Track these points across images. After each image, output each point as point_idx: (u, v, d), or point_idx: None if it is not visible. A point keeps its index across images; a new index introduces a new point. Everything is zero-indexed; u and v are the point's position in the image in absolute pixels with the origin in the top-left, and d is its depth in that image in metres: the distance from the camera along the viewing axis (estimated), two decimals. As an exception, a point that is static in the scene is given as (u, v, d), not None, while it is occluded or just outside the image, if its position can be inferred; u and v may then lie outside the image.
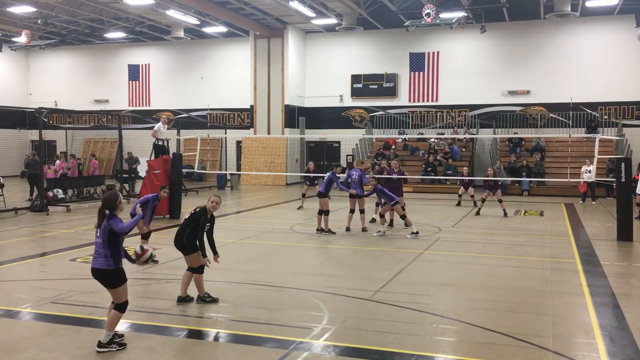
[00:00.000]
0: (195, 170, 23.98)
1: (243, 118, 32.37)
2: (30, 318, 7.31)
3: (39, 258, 11.24)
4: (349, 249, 12.20)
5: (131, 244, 12.37)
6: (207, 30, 29.72)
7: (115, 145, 31.64)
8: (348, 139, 28.75)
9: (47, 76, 36.69)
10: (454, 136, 27.00)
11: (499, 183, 18.38)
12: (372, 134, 29.51)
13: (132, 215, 9.93)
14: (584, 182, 20.36)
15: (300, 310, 7.53)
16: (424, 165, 25.64)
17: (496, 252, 11.76)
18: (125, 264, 6.30)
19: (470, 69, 28.50)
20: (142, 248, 6.54)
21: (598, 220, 16.57)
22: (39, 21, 28.40)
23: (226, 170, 29.35)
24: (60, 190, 19.82)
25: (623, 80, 26.34)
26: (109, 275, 6.06)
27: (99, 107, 34.58)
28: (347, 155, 29.15)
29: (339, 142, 30.48)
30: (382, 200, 13.87)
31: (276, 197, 23.42)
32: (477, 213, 17.41)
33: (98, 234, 6.08)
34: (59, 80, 36.15)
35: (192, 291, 7.85)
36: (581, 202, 21.00)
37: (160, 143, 17.65)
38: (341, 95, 30.72)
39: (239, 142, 30.83)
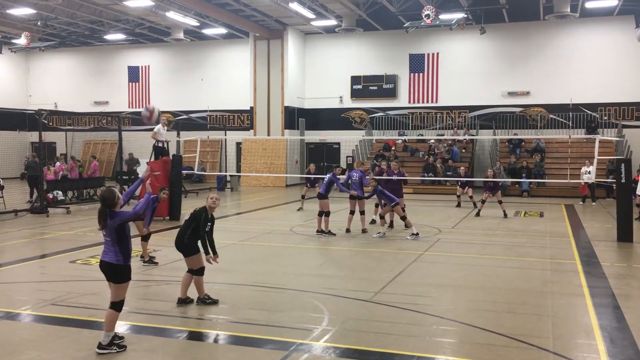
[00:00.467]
0: (195, 171, 23.98)
1: (243, 119, 32.38)
2: (30, 320, 7.30)
3: (39, 260, 11.23)
4: (349, 250, 12.20)
5: (134, 244, 12.39)
6: (207, 31, 29.75)
7: (115, 146, 31.63)
8: (348, 140, 28.75)
9: (47, 78, 36.70)
10: (454, 137, 27.01)
11: (499, 184, 18.37)
12: (372, 135, 29.52)
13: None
14: (585, 183, 20.35)
15: (300, 312, 7.52)
16: (423, 172, 25.64)
17: (496, 253, 11.76)
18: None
19: (470, 70, 28.52)
20: (147, 109, 6.57)
21: (598, 221, 16.57)
22: (39, 23, 28.42)
23: (226, 172, 29.36)
24: (60, 192, 19.83)
25: (623, 81, 26.36)
26: (117, 269, 6.16)
27: (99, 108, 34.59)
28: (347, 157, 29.16)
29: (338, 144, 30.49)
30: (382, 202, 13.88)
31: (276, 198, 23.42)
32: (477, 214, 17.41)
33: (105, 233, 6.16)
34: (59, 82, 36.17)
35: (192, 293, 7.84)
36: (581, 203, 21.00)
37: (160, 145, 17.65)
38: (341, 97, 30.74)
39: (238, 144, 30.83)
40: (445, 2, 23.83)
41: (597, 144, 15.75)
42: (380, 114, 30.10)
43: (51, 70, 36.59)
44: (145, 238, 10.36)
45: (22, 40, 29.10)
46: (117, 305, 6.17)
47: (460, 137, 26.68)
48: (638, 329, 6.79)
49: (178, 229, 7.96)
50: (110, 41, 33.33)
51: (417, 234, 13.26)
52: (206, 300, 7.77)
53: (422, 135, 28.69)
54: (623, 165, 12.72)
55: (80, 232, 14.38)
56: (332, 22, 26.90)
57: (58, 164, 23.02)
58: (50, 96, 35.35)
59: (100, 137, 35.18)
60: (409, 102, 29.60)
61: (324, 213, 13.64)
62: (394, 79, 29.70)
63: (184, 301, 7.73)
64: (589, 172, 19.89)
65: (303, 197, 19.21)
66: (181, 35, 28.63)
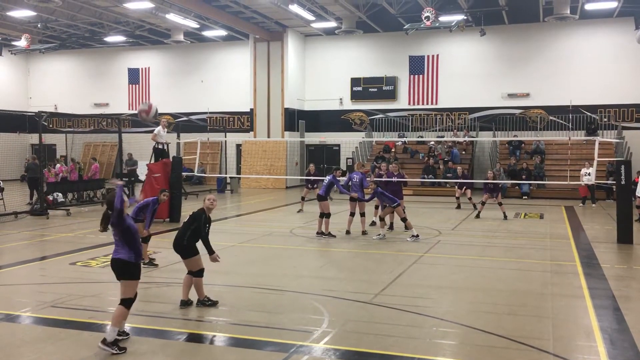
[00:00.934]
0: (195, 173, 23.98)
1: (243, 121, 32.40)
2: (30, 322, 7.31)
3: (39, 262, 11.22)
4: (349, 252, 12.19)
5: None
6: (207, 33, 29.77)
7: (115, 148, 31.63)
8: (348, 142, 28.77)
9: (47, 80, 36.73)
10: (454, 139, 27.02)
11: (499, 186, 18.36)
12: (372, 137, 29.54)
13: (132, 218, 10.02)
14: (585, 184, 20.33)
15: (300, 314, 7.52)
16: (423, 173, 25.65)
17: (496, 255, 11.75)
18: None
19: (469, 72, 28.53)
20: (146, 103, 6.69)
21: (598, 222, 16.57)
22: (39, 25, 28.44)
23: (226, 174, 29.36)
24: (60, 194, 19.82)
25: (622, 83, 26.38)
26: (128, 266, 6.30)
27: (99, 110, 34.60)
28: (347, 159, 29.17)
29: (338, 145, 30.50)
30: (383, 203, 13.88)
31: (276, 200, 23.42)
32: (477, 216, 17.41)
33: (115, 233, 6.32)
34: (59, 84, 36.19)
35: (192, 295, 7.84)
36: (581, 204, 21.00)
37: (160, 146, 17.65)
38: (341, 99, 30.75)
39: (238, 146, 30.84)
40: (445, 4, 23.85)
41: (597, 146, 15.75)
42: (380, 115, 30.11)
43: (51, 72, 36.62)
44: (145, 240, 10.36)
45: (22, 43, 29.13)
46: (126, 302, 6.27)
47: (460, 139, 26.69)
48: (638, 331, 6.79)
49: (176, 236, 7.91)
50: (110, 43, 33.35)
51: (417, 235, 13.26)
52: (206, 302, 7.76)
53: (422, 137, 28.70)
54: (623, 166, 12.72)
55: (80, 234, 14.37)
56: (332, 24, 26.92)
57: (58, 165, 23.03)
58: (51, 98, 35.36)
59: (100, 139, 35.20)
60: (409, 103, 29.62)
61: (325, 215, 13.65)
62: (394, 80, 29.72)
63: (186, 303, 7.73)
64: (589, 174, 19.88)
65: (303, 198, 19.21)
66: (181, 37, 28.65)
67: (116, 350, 6.05)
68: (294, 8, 23.73)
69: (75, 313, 7.45)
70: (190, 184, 28.50)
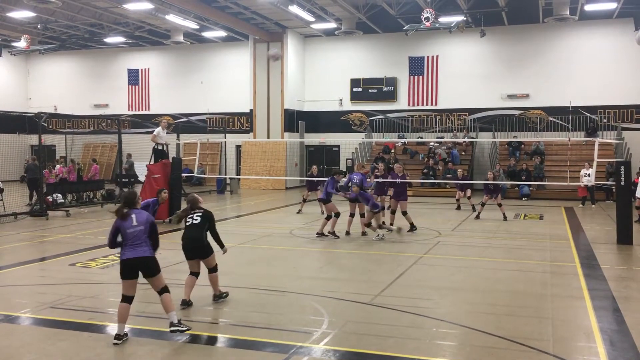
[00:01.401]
0: (195, 174, 23.98)
1: (242, 122, 32.40)
2: (29, 323, 7.30)
3: (39, 263, 11.22)
4: (349, 253, 12.19)
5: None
6: (207, 34, 29.78)
7: (115, 149, 31.63)
8: (348, 142, 28.77)
9: (46, 81, 36.73)
10: (454, 140, 27.02)
11: (499, 187, 18.36)
12: (372, 137, 29.54)
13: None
14: (585, 185, 20.33)
15: (300, 315, 7.52)
16: (425, 171, 25.64)
17: (496, 256, 11.75)
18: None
19: (469, 73, 28.54)
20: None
21: (598, 223, 16.57)
22: (39, 26, 28.45)
23: (226, 175, 29.35)
24: (59, 195, 19.82)
25: (622, 84, 26.39)
26: (152, 261, 6.55)
27: (99, 111, 34.60)
28: (347, 159, 29.18)
29: (338, 146, 30.50)
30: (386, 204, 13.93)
31: (276, 201, 23.41)
32: (477, 217, 17.41)
33: (134, 223, 6.50)
34: (59, 85, 36.19)
35: (192, 296, 7.84)
36: (581, 205, 21.00)
37: (160, 147, 17.65)
38: (340, 99, 30.76)
39: (238, 146, 30.85)
40: (444, 5, 23.86)
41: (596, 147, 15.75)
42: (380, 116, 30.11)
43: (51, 73, 36.62)
44: None
45: (22, 43, 29.14)
46: (166, 289, 6.62)
47: (460, 140, 26.70)
48: (638, 332, 6.79)
49: (186, 234, 7.87)
50: (110, 44, 33.37)
51: (383, 236, 13.27)
52: (222, 295, 8.05)
53: (421, 137, 28.71)
54: (622, 167, 12.72)
55: (79, 234, 14.37)
56: (331, 25, 26.93)
57: (58, 166, 23.03)
58: (50, 99, 35.34)
59: (100, 139, 35.20)
60: (409, 104, 29.62)
61: (334, 214, 13.63)
62: (394, 81, 29.73)
63: (187, 303, 7.75)
64: (589, 175, 19.88)
65: (304, 200, 19.10)
66: (181, 38, 28.66)
67: (185, 328, 6.44)
68: (294, 9, 23.74)
69: (75, 314, 7.45)
70: (190, 185, 28.49)
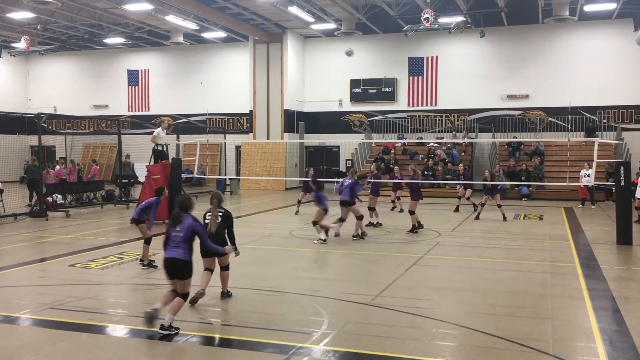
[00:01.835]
0: (195, 175, 23.99)
1: (242, 123, 32.40)
2: (29, 324, 7.30)
3: (38, 264, 11.21)
4: (349, 254, 12.18)
5: (132, 249, 12.38)
6: (206, 35, 29.78)
7: (115, 150, 31.62)
8: (347, 143, 28.78)
9: (46, 81, 36.72)
10: (453, 140, 27.03)
11: (498, 187, 18.33)
12: (372, 138, 29.55)
13: (135, 219, 10.14)
14: (584, 186, 20.33)
15: (300, 315, 7.52)
16: (425, 172, 25.63)
17: (496, 256, 11.75)
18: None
19: (469, 74, 28.54)
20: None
21: (597, 224, 16.57)
22: (38, 27, 28.44)
23: (225, 175, 29.35)
24: (59, 196, 19.82)
25: (622, 84, 26.39)
26: (184, 265, 6.75)
27: (98, 112, 34.59)
28: (347, 160, 29.19)
29: (338, 147, 30.50)
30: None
31: (276, 201, 23.41)
32: (477, 217, 17.41)
33: (178, 229, 6.83)
34: (58, 86, 36.18)
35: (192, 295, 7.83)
36: (580, 205, 21.01)
37: (160, 148, 17.65)
38: (340, 100, 30.76)
39: (238, 147, 30.84)
40: (444, 6, 23.87)
41: (596, 147, 15.74)
42: (380, 117, 30.12)
43: (51, 73, 36.61)
44: (147, 241, 10.39)
45: (21, 44, 29.12)
46: (184, 296, 6.85)
47: (460, 140, 26.70)
48: (638, 332, 6.79)
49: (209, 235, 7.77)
50: (109, 45, 33.37)
51: (325, 240, 12.86)
52: (229, 294, 8.21)
53: (421, 138, 28.71)
54: (622, 168, 12.73)
55: (79, 235, 14.37)
56: (331, 25, 26.93)
57: (57, 167, 23.02)
58: (50, 100, 35.33)
59: (99, 140, 35.19)
60: (408, 105, 29.62)
61: (357, 217, 13.47)
62: (393, 82, 29.73)
63: (202, 294, 7.93)
64: (588, 175, 19.88)
65: (299, 201, 19.07)
66: (181, 39, 28.66)
67: (175, 331, 6.58)
68: (294, 10, 23.74)
69: (75, 315, 7.44)
70: (190, 186, 28.48)
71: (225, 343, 6.62)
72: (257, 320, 7.23)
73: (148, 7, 23.87)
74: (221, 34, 29.58)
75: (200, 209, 7.94)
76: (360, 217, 13.66)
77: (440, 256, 11.68)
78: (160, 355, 6.16)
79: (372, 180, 15.69)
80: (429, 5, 22.99)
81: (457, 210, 19.37)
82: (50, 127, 34.63)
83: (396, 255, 11.78)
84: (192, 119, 32.98)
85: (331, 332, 6.76)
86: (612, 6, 23.81)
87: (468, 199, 19.29)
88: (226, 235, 8.06)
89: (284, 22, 27.89)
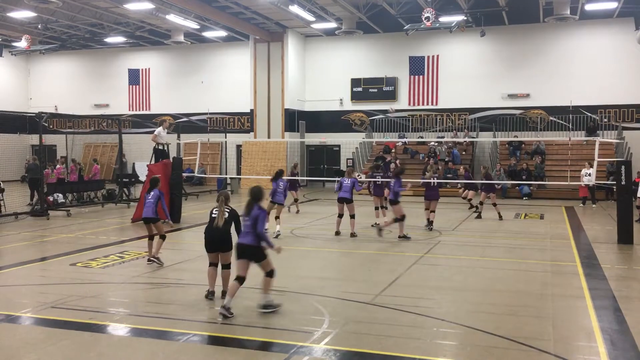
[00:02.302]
0: (196, 174, 24.00)
1: (243, 122, 32.40)
2: (30, 323, 7.31)
3: (40, 263, 11.22)
4: (350, 253, 12.19)
5: (133, 248, 12.38)
6: (207, 34, 29.78)
7: (116, 149, 31.65)
8: (348, 142, 28.77)
9: (47, 81, 36.74)
10: (454, 140, 27.01)
11: (494, 186, 18.17)
12: (372, 137, 29.54)
13: (152, 218, 10.47)
14: (585, 185, 20.32)
15: (301, 314, 7.52)
16: (424, 173, 25.62)
17: (497, 256, 11.75)
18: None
19: (470, 73, 28.53)
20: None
21: (598, 223, 16.56)
22: (39, 26, 28.46)
23: (226, 174, 29.36)
24: (60, 195, 19.83)
25: (623, 83, 26.37)
26: (256, 250, 7.40)
27: (99, 111, 34.59)
28: (347, 159, 29.18)
29: (339, 146, 30.50)
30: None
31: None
32: (478, 216, 17.40)
33: (247, 219, 7.42)
34: (59, 85, 36.20)
35: (193, 294, 7.84)
36: (581, 205, 20.99)
37: (161, 147, 17.65)
38: (341, 99, 30.76)
39: (239, 146, 30.85)
40: (445, 5, 23.85)
41: (597, 146, 15.74)
42: (380, 116, 30.11)
43: (51, 73, 36.63)
44: (163, 237, 10.42)
45: (22, 43, 29.13)
46: (271, 274, 7.51)
47: (461, 140, 26.69)
48: (639, 331, 6.79)
49: (214, 230, 7.92)
50: (110, 44, 33.38)
51: (278, 235, 13.45)
52: None
53: (422, 137, 28.71)
54: (623, 167, 12.72)
55: (80, 234, 14.38)
56: (332, 24, 26.92)
57: (58, 166, 23.05)
58: (51, 99, 35.35)
59: (100, 139, 35.22)
60: (409, 104, 29.61)
61: (399, 219, 13.43)
62: (394, 81, 29.72)
63: (213, 293, 8.08)
64: (589, 174, 19.87)
65: (296, 200, 19.07)
66: (181, 38, 28.66)
67: (274, 309, 7.29)
68: (294, 9, 23.73)
69: (76, 314, 7.45)
70: (191, 185, 28.50)
71: (227, 342, 6.62)
72: (257, 319, 7.24)
73: (149, 6, 23.86)
74: (222, 33, 29.59)
75: (201, 208, 7.92)
76: (353, 216, 13.88)
77: (441, 255, 11.68)
78: (162, 353, 6.16)
79: (367, 180, 15.75)
80: (430, 4, 22.98)
81: (471, 207, 18.89)
82: (51, 127, 34.67)
83: (397, 254, 11.78)
84: (193, 118, 32.99)
85: (332, 331, 6.76)
86: (613, 5, 23.78)
87: (469, 200, 19.26)
88: (234, 230, 8.10)
89: (284, 21, 27.88)
